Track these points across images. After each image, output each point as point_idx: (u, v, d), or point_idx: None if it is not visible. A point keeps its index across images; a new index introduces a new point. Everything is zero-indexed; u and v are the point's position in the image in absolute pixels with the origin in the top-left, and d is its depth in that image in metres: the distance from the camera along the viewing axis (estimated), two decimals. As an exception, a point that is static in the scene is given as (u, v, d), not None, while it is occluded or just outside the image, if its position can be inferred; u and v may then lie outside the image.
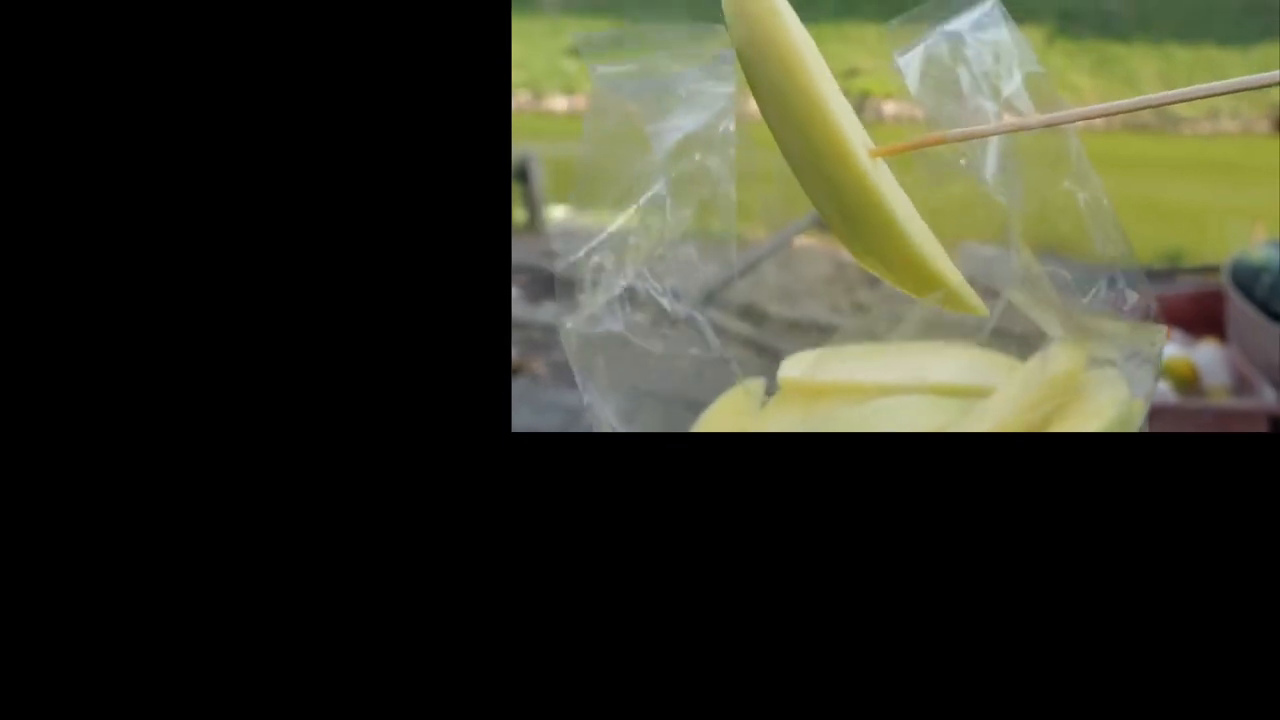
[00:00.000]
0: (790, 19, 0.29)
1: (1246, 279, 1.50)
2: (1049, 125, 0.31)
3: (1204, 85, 0.29)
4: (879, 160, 0.30)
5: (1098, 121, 0.33)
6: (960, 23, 0.31)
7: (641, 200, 0.29)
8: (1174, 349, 1.50)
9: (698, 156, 0.29)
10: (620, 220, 0.29)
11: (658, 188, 0.29)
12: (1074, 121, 0.30)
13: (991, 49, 0.31)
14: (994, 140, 0.31)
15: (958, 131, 0.30)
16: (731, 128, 0.29)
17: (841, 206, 0.29)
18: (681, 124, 0.29)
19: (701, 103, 0.29)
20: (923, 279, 0.31)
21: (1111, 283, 0.31)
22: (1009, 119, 0.31)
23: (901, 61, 0.30)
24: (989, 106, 0.31)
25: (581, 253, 0.29)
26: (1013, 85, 0.31)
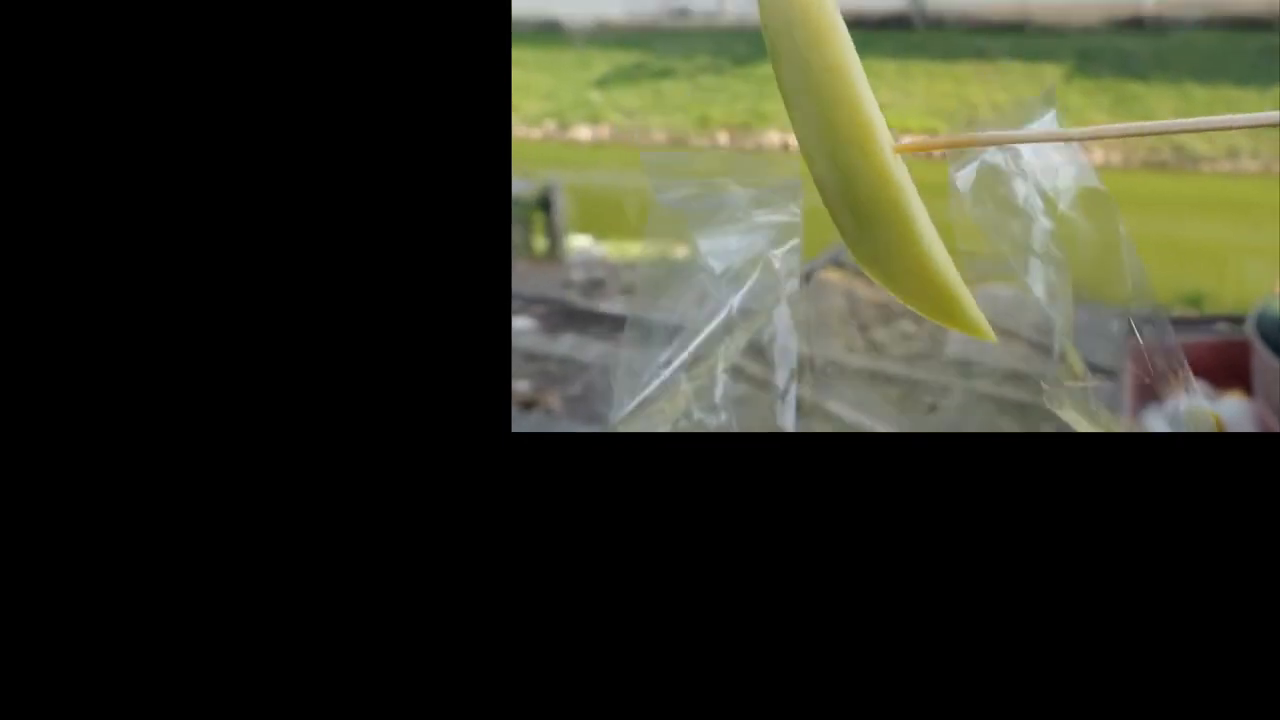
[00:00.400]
0: None
1: (1273, 332, 1.49)
2: (1082, 140, 0.30)
3: (1222, 116, 0.28)
4: (899, 159, 0.28)
5: (1115, 159, 0.33)
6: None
7: (697, 340, 0.28)
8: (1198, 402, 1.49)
9: (756, 281, 0.29)
10: (675, 363, 0.28)
11: (712, 325, 0.28)
12: (1105, 139, 0.30)
13: (1048, 163, 0.31)
14: (1040, 252, 0.30)
15: (988, 134, 0.29)
16: (797, 255, 0.29)
17: (855, 200, 0.28)
18: (741, 247, 0.29)
19: (763, 228, 0.29)
20: (931, 289, 0.29)
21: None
22: (1034, 133, 0.30)
23: (957, 177, 0.30)
24: (1044, 223, 0.31)
25: (633, 404, 0.28)
26: (1068, 200, 0.31)
